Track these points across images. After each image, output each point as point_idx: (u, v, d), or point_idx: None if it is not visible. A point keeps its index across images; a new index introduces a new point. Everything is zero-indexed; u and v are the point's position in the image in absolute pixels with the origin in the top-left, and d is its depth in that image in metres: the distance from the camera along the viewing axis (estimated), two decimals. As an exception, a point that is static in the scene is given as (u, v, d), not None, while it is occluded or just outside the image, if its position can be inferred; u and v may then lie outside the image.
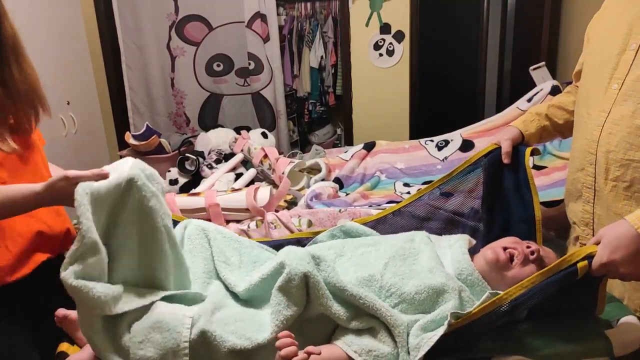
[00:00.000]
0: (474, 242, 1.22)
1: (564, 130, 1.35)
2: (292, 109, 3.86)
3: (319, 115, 3.94)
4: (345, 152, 2.64)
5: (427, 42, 4.04)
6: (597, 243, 0.91)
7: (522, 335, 0.97)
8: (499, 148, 1.29)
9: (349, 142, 3.53)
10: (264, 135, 2.78)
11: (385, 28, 3.27)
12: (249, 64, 3.32)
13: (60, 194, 0.95)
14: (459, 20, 4.63)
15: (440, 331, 0.90)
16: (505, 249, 1.10)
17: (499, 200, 1.29)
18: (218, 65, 3.40)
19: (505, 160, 1.27)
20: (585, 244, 1.18)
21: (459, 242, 1.18)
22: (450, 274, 1.08)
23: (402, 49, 3.29)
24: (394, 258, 1.10)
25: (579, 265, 0.89)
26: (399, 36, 3.27)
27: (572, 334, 0.96)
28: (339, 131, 4.06)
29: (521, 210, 1.26)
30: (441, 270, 1.08)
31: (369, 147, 2.61)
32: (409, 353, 0.94)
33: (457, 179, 1.35)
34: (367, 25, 3.28)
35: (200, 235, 1.20)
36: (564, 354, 0.94)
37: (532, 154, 1.28)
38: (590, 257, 0.90)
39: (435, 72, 4.55)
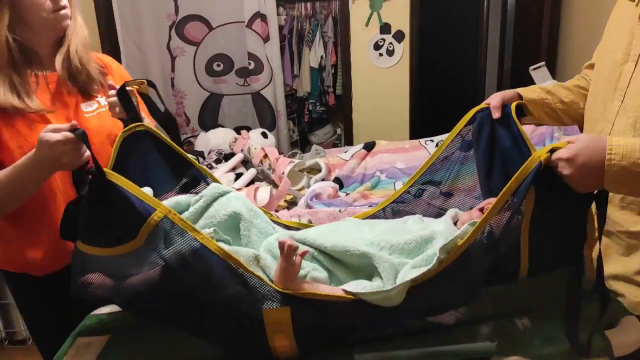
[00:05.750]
0: (461, 213, 1.21)
1: (567, 112, 1.27)
2: (292, 109, 3.86)
3: (319, 115, 3.94)
4: (345, 152, 2.64)
5: (427, 42, 4.04)
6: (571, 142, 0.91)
7: (521, 335, 0.97)
8: (488, 107, 1.20)
9: (349, 142, 3.53)
10: (264, 135, 2.78)
11: (385, 28, 3.27)
12: (249, 64, 3.32)
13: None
14: (459, 20, 4.63)
15: (431, 267, 0.90)
16: (481, 209, 1.10)
17: (496, 163, 1.20)
18: (218, 65, 3.40)
19: (495, 115, 1.17)
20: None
21: (446, 215, 1.18)
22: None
23: (402, 49, 3.29)
24: (386, 232, 1.11)
25: (542, 158, 0.90)
26: (399, 36, 3.27)
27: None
28: (339, 131, 4.06)
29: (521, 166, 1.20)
30: (430, 228, 1.09)
31: (369, 147, 2.61)
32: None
33: (449, 152, 1.30)
34: (367, 25, 3.28)
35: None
36: (564, 354, 0.94)
37: (519, 110, 1.17)
38: (554, 150, 0.90)
39: (435, 72, 4.55)
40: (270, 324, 0.90)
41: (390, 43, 3.29)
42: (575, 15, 2.95)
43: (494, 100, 1.20)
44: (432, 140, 2.56)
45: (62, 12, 1.17)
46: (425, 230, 1.07)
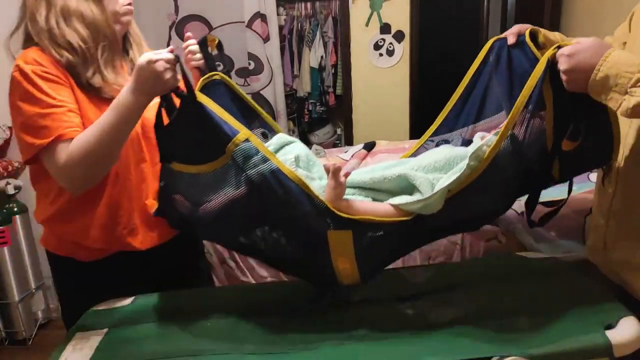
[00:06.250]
0: (487, 134, 1.23)
1: None
2: (292, 109, 3.87)
3: (319, 115, 3.94)
4: (345, 152, 2.64)
5: (427, 42, 4.04)
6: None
7: (521, 335, 0.97)
8: (505, 38, 1.25)
9: (349, 142, 3.53)
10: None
11: (385, 28, 3.27)
12: (249, 64, 3.33)
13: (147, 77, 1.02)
14: (459, 20, 4.63)
15: (463, 173, 0.96)
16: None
17: (515, 86, 1.24)
18: (218, 65, 3.40)
19: (510, 40, 1.23)
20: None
21: (475, 138, 1.23)
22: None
23: (402, 49, 3.30)
24: (417, 160, 1.18)
25: (549, 54, 0.96)
26: (399, 36, 3.27)
27: (572, 334, 0.96)
28: (339, 131, 4.06)
29: None
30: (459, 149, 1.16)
31: (369, 147, 2.61)
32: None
33: (472, 86, 1.42)
34: (367, 25, 3.28)
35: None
36: (563, 354, 0.94)
37: (533, 35, 1.21)
38: (560, 46, 0.96)
39: (435, 72, 4.55)
40: (334, 245, 1.00)
41: (390, 43, 3.29)
42: (575, 15, 2.95)
43: (511, 29, 1.25)
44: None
45: (130, 7, 1.24)
46: (454, 151, 1.13)
